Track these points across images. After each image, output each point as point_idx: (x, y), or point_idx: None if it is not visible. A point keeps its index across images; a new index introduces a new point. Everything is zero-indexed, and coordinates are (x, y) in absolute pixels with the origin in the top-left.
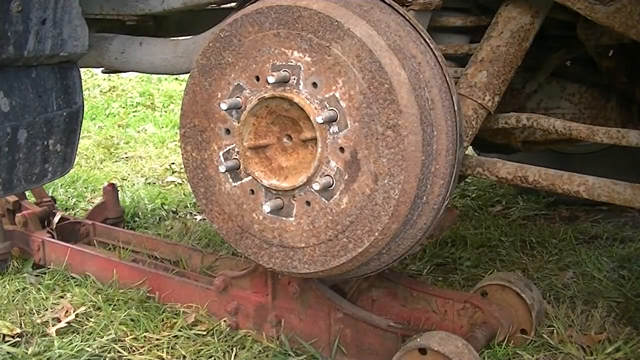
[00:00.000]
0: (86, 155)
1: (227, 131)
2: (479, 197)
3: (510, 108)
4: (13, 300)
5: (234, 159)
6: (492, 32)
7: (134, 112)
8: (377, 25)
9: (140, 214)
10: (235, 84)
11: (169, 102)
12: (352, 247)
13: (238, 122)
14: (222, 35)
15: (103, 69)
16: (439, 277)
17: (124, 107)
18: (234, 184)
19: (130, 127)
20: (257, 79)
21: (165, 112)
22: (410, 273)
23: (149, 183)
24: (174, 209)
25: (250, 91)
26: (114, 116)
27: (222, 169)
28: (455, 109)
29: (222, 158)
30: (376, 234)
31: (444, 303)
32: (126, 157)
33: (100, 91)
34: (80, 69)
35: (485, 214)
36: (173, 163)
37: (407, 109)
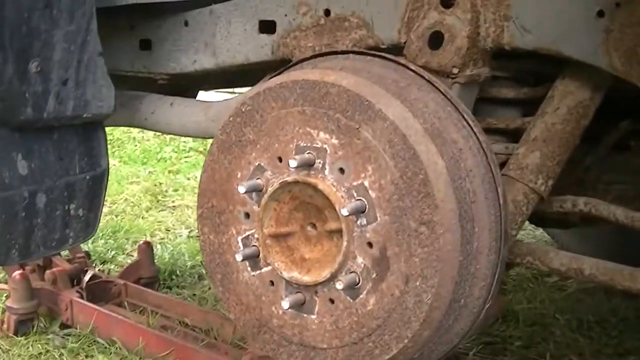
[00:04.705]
0: (133, 202)
1: (247, 215)
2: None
3: (567, 181)
4: None
5: (253, 245)
6: (547, 108)
7: (185, 157)
8: (414, 105)
9: (178, 271)
10: (257, 164)
11: None
12: (378, 354)
13: (258, 206)
14: (243, 110)
15: None
16: (487, 358)
17: (176, 152)
18: (252, 273)
19: (181, 173)
20: (280, 160)
21: None
22: (456, 353)
23: (192, 236)
24: None
25: (272, 173)
26: (165, 161)
27: (239, 257)
28: (501, 201)
29: (240, 244)
30: (405, 340)
31: None
32: (173, 206)
33: (154, 134)
34: (105, 130)
35: (539, 286)
36: None
37: (444, 203)
